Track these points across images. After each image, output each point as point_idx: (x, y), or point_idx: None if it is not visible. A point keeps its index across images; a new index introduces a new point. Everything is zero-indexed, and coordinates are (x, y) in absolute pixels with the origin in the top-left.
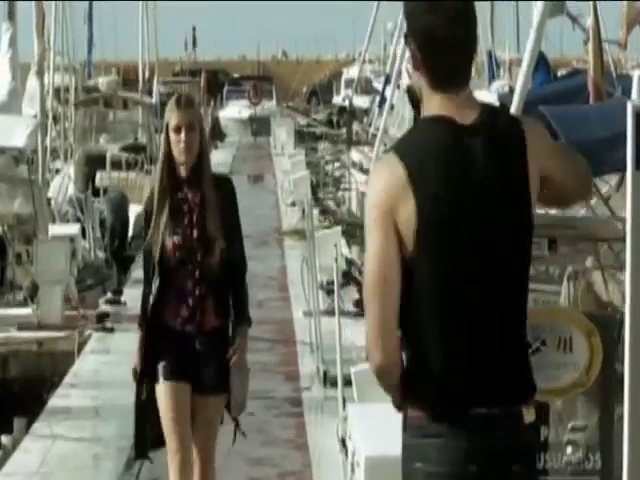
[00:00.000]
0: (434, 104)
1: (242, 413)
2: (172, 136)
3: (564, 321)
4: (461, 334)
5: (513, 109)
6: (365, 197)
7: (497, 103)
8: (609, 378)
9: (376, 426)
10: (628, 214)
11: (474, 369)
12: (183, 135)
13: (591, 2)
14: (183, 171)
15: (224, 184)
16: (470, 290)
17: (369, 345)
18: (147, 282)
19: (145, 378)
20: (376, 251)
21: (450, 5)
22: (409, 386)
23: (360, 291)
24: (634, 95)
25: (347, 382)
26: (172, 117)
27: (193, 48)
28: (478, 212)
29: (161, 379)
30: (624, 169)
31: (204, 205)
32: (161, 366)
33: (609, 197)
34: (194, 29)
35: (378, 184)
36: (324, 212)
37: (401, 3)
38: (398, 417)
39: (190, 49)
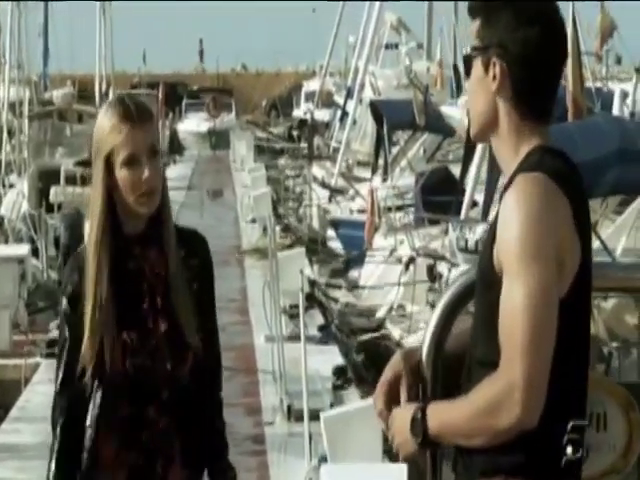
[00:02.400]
0: (538, 139)
1: None
2: (121, 172)
3: (596, 392)
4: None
5: None
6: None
7: (466, 118)
8: None
9: None
10: None
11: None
12: (146, 168)
13: (570, 13)
14: (134, 225)
15: (196, 246)
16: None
17: (520, 399)
18: (68, 411)
19: None
20: (547, 288)
21: (559, 18)
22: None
23: (324, 314)
24: (615, 110)
25: (313, 416)
26: (121, 140)
27: (201, 60)
28: None
29: None
30: (611, 194)
31: (170, 279)
32: None
33: (596, 223)
34: (201, 41)
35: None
36: (286, 229)
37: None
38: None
39: (198, 61)
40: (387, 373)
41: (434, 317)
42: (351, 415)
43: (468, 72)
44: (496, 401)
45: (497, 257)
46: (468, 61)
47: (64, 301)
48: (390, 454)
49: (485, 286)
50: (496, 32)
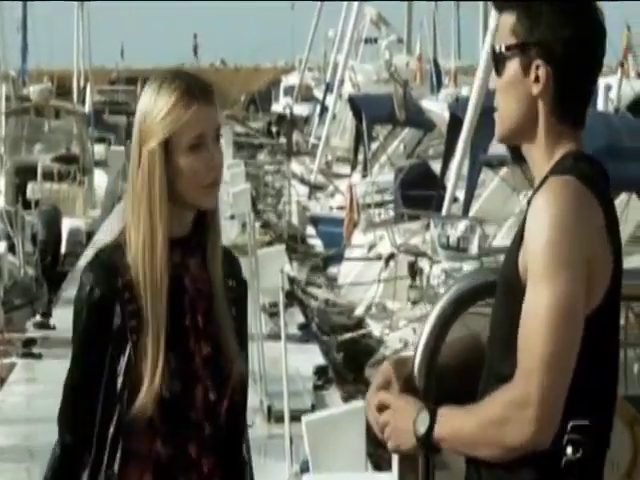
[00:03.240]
0: (573, 144)
1: None
2: (185, 158)
3: None
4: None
5: (468, 119)
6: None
7: (447, 112)
8: None
9: None
10: None
11: None
12: (214, 154)
13: None
14: (180, 226)
15: (232, 266)
16: None
17: (535, 415)
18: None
19: None
20: (574, 298)
21: (599, 13)
22: None
23: (304, 312)
24: (600, 105)
25: (294, 417)
26: (187, 119)
27: (195, 55)
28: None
29: None
30: None
31: (215, 298)
32: None
33: None
34: (195, 36)
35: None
36: (265, 226)
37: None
38: None
39: (193, 56)
40: (378, 379)
41: (427, 327)
42: (333, 419)
43: (499, 71)
44: (508, 414)
45: (523, 262)
46: (502, 60)
47: (84, 313)
48: (374, 458)
49: (509, 295)
50: (538, 30)
